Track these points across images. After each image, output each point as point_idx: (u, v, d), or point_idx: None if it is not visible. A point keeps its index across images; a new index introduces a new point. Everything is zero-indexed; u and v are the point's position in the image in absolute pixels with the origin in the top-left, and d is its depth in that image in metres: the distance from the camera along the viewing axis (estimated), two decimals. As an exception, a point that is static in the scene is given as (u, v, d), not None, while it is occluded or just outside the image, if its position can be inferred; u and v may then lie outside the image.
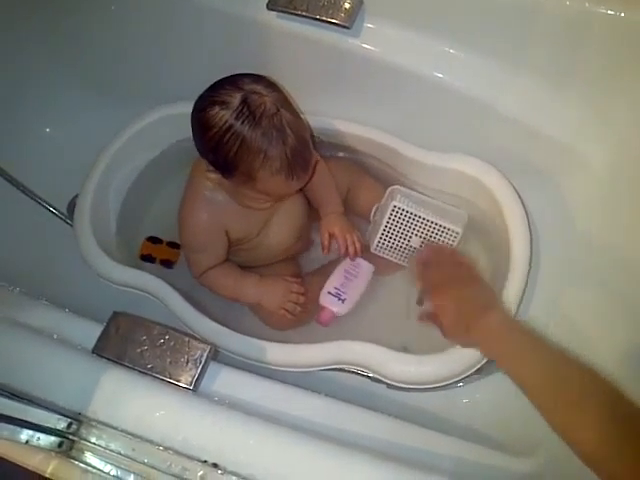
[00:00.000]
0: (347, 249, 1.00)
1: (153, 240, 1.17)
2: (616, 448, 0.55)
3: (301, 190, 0.93)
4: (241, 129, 0.75)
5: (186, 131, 0.82)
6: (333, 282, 1.01)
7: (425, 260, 0.82)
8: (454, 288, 0.76)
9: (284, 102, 0.78)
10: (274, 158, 0.76)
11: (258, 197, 0.86)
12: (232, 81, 0.78)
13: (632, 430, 0.56)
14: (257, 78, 0.79)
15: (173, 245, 1.17)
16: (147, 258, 1.16)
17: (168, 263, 1.16)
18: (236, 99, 0.75)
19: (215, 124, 0.76)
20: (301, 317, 1.02)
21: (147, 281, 0.96)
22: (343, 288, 1.00)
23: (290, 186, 0.81)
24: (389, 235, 1.02)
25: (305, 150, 0.79)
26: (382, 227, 1.02)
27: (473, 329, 0.72)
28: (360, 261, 1.03)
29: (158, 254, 1.17)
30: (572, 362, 0.65)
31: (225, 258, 0.99)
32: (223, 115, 0.75)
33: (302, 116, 0.82)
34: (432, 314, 0.80)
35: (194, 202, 0.92)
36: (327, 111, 1.07)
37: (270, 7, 0.97)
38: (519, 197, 0.96)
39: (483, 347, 0.73)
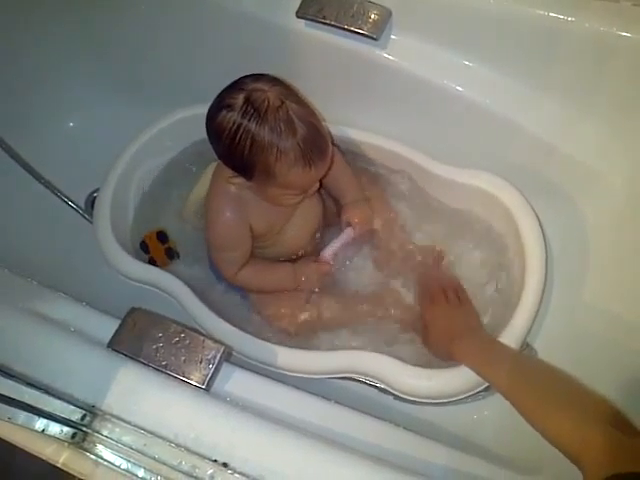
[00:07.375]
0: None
1: (160, 236, 1.15)
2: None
3: (321, 185, 0.93)
4: (249, 127, 0.76)
5: (204, 133, 0.83)
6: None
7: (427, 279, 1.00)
8: (447, 306, 0.93)
9: (288, 94, 0.78)
10: (287, 151, 0.77)
11: (285, 193, 0.86)
12: (234, 84, 0.80)
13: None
14: (258, 76, 0.80)
15: (170, 254, 1.14)
16: (144, 247, 1.14)
17: (154, 263, 1.12)
18: (239, 99, 0.77)
19: (224, 128, 0.78)
20: (307, 323, 1.02)
21: (163, 279, 0.98)
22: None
23: (310, 176, 0.81)
24: None
25: (317, 136, 0.79)
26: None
27: (457, 343, 0.85)
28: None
29: (154, 250, 1.14)
30: (547, 371, 0.81)
31: (250, 254, 0.98)
32: (230, 117, 0.77)
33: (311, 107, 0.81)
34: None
35: (219, 203, 0.92)
36: (350, 120, 1.08)
37: (299, 15, 0.99)
38: (536, 215, 0.96)
39: (462, 358, 0.84)
